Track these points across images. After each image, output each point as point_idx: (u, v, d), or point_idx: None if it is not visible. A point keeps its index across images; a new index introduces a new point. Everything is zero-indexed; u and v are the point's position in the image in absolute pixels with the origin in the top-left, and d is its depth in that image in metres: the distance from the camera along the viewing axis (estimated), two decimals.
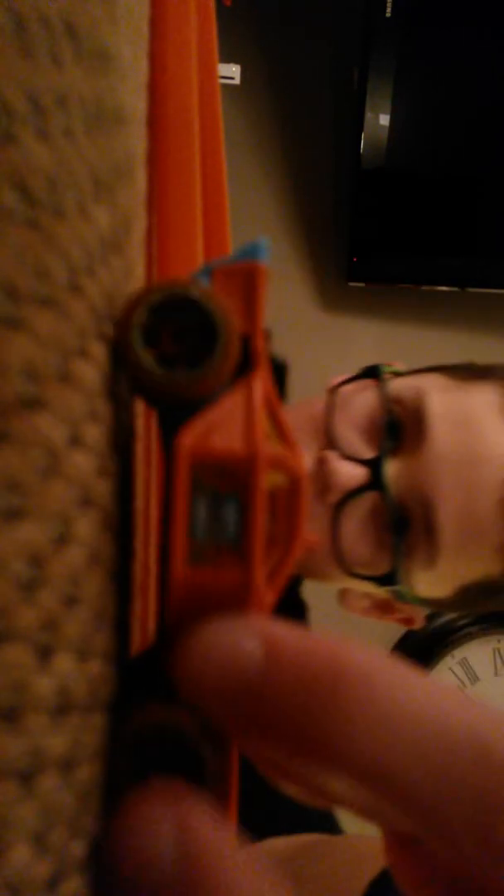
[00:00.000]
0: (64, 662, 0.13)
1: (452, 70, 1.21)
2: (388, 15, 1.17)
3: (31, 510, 0.12)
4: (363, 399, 0.48)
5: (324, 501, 0.46)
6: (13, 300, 0.12)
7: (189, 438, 0.15)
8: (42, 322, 0.13)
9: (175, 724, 0.15)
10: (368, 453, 0.46)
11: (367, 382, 0.49)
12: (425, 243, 1.27)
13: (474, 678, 1.30)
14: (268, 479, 0.16)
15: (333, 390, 0.48)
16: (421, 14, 1.19)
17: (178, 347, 0.16)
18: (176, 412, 0.16)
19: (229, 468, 0.15)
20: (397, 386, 0.48)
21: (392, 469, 0.45)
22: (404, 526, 0.45)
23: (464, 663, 1.30)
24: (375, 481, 0.45)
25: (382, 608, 0.55)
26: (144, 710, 0.15)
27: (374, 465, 0.45)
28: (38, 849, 0.12)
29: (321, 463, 0.46)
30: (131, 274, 0.20)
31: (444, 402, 0.46)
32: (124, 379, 0.17)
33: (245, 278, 0.18)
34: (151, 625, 0.22)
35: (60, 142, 0.14)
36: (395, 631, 1.31)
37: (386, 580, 0.46)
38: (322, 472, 0.46)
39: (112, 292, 0.17)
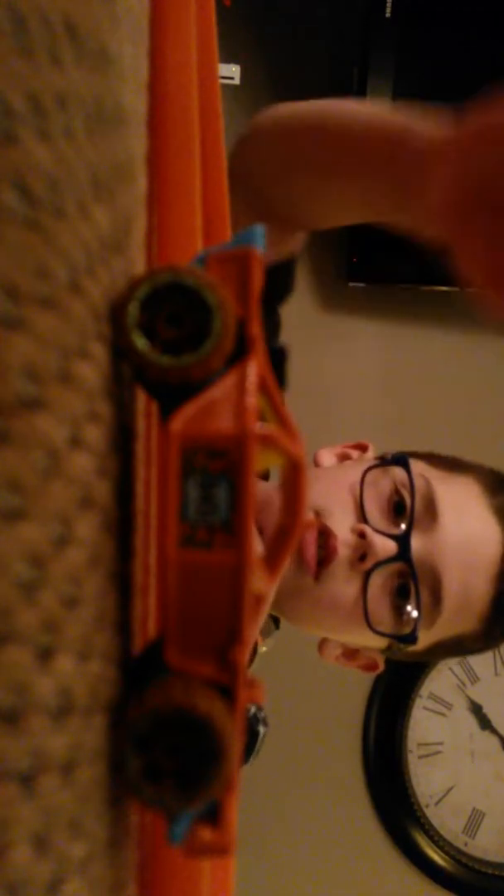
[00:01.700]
0: (64, 663, 0.13)
1: (452, 70, 1.21)
2: (387, 15, 1.17)
3: (31, 510, 0.12)
4: (386, 482, 0.58)
5: (358, 567, 0.54)
6: (13, 300, 0.12)
7: (179, 420, 0.15)
8: (42, 322, 0.13)
9: (185, 704, 0.15)
10: (394, 530, 0.56)
11: (391, 468, 0.59)
12: (425, 243, 1.27)
13: (474, 678, 1.30)
14: (262, 461, 0.16)
15: (366, 472, 0.58)
16: (421, 14, 1.19)
17: (175, 333, 0.16)
18: (174, 398, 0.16)
19: (220, 449, 0.15)
20: (415, 475, 0.58)
21: (413, 543, 0.55)
22: (416, 592, 0.55)
23: (463, 663, 1.30)
24: (403, 554, 0.54)
25: (350, 656, 0.64)
26: (154, 692, 0.15)
27: (401, 540, 0.55)
28: (39, 850, 0.12)
29: (362, 535, 0.54)
30: (131, 274, 0.20)
31: (447, 493, 0.57)
32: (126, 369, 0.17)
33: (239, 263, 0.17)
34: (152, 625, 0.22)
35: (61, 142, 0.14)
36: None
37: (408, 639, 0.55)
38: (363, 544, 0.54)
39: (112, 292, 0.17)
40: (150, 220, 0.27)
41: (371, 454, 0.66)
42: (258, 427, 0.16)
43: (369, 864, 1.29)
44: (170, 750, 0.16)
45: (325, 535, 0.54)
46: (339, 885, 1.28)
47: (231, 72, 1.29)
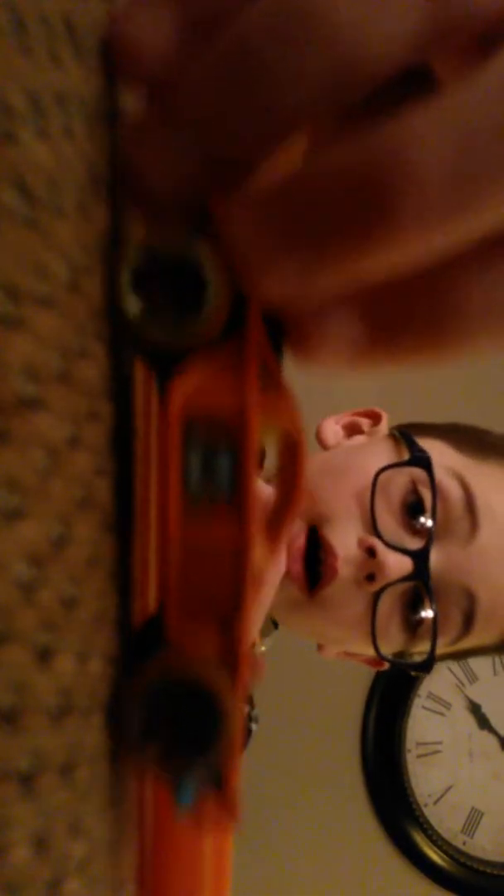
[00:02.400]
0: (64, 663, 0.13)
1: None
2: None
3: (31, 510, 0.12)
4: (401, 479, 0.49)
5: (365, 587, 0.47)
6: (13, 300, 0.12)
7: (178, 392, 0.15)
8: (42, 322, 0.13)
9: (184, 672, 0.15)
10: (410, 540, 0.47)
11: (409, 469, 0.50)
12: None
13: (473, 678, 1.30)
14: (263, 431, 0.16)
15: (378, 474, 0.48)
16: None
17: (168, 300, 0.16)
18: (171, 366, 0.16)
19: (221, 419, 0.15)
20: (440, 475, 0.48)
21: (435, 558, 0.47)
22: (434, 618, 0.47)
23: (462, 663, 1.30)
24: (420, 573, 0.46)
25: (352, 654, 0.58)
26: (153, 663, 0.15)
27: (418, 557, 0.46)
28: (39, 850, 0.12)
29: (370, 551, 0.46)
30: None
31: (483, 493, 0.47)
32: (126, 365, 0.17)
33: None
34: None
35: (60, 141, 0.14)
36: None
37: (424, 667, 0.48)
38: (372, 563, 0.46)
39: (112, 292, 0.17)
40: None
41: (384, 427, 0.57)
42: (262, 401, 0.15)
43: (368, 863, 1.29)
44: (171, 720, 0.16)
45: (323, 551, 0.46)
46: (338, 884, 1.28)
47: None
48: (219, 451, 0.15)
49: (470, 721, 1.31)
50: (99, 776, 0.15)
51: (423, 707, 1.30)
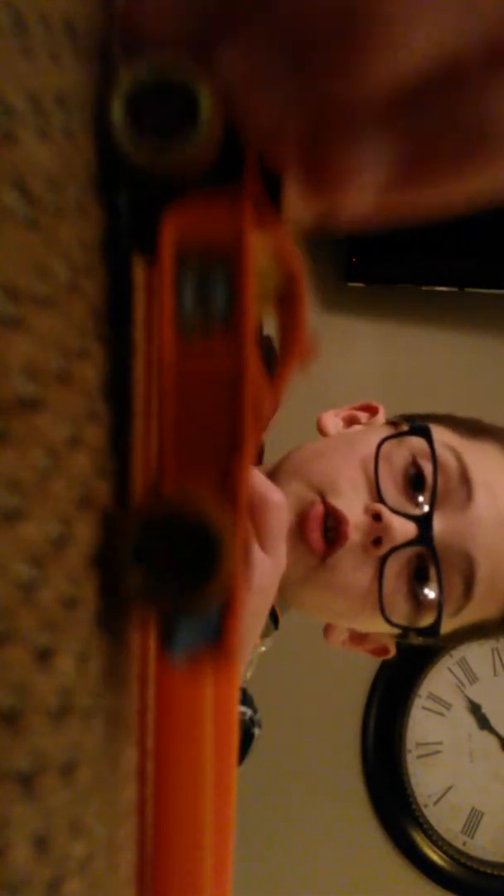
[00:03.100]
0: (64, 663, 0.13)
1: None
2: None
3: (31, 510, 0.12)
4: (402, 452, 0.52)
5: (372, 552, 0.49)
6: (13, 300, 0.12)
7: (173, 222, 0.14)
8: (42, 322, 0.13)
9: (179, 504, 0.14)
10: (412, 508, 0.50)
11: (411, 439, 0.53)
12: (425, 243, 1.27)
13: (473, 678, 1.30)
14: (258, 262, 0.15)
15: (382, 443, 0.51)
16: None
17: (159, 130, 0.15)
18: (163, 201, 0.15)
19: (217, 245, 0.14)
20: (438, 448, 0.52)
21: (437, 525, 0.49)
22: (439, 580, 0.50)
23: (462, 663, 1.30)
24: (424, 537, 0.48)
25: (358, 640, 0.59)
26: (145, 500, 0.15)
27: (422, 522, 0.48)
28: (39, 850, 0.12)
29: (376, 516, 0.48)
30: (132, 275, 0.20)
31: (476, 464, 0.51)
32: (126, 366, 0.17)
33: None
34: (152, 623, 0.22)
35: (60, 141, 0.14)
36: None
37: (429, 632, 0.50)
38: (379, 527, 0.48)
39: (112, 292, 0.17)
40: None
41: (382, 418, 0.60)
42: (255, 224, 0.15)
43: (368, 864, 1.29)
44: (168, 558, 0.15)
45: (335, 519, 0.48)
46: (338, 885, 1.28)
47: None
48: (213, 279, 0.15)
49: (470, 721, 1.31)
50: (99, 776, 0.15)
51: (424, 707, 1.30)
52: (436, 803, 1.29)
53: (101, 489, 0.15)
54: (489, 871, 1.27)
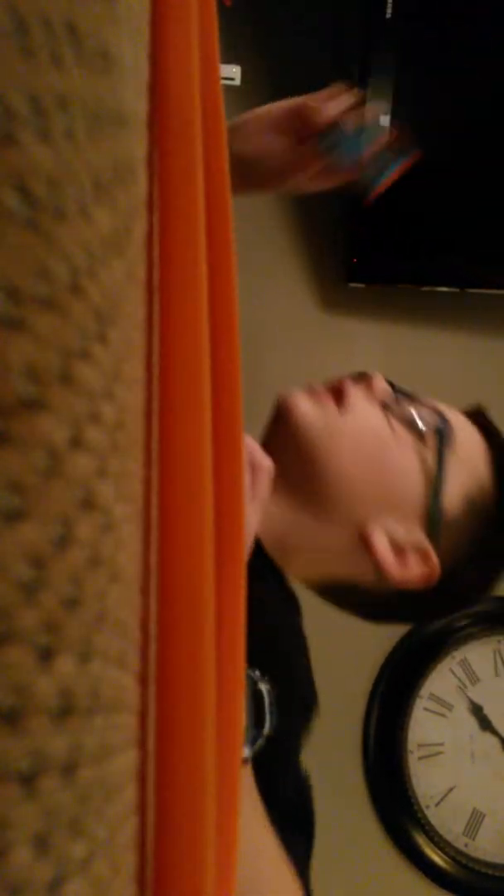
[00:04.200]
0: (65, 664, 0.13)
1: (452, 70, 1.21)
2: (388, 15, 1.17)
3: (31, 511, 0.12)
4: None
5: (371, 397, 0.64)
6: (14, 301, 0.12)
7: None
8: (43, 322, 0.13)
9: None
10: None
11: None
12: (425, 244, 1.27)
13: (475, 679, 1.30)
14: None
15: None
16: (421, 14, 1.19)
17: None
18: None
19: None
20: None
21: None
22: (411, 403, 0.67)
23: (464, 664, 1.30)
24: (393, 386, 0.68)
25: (399, 552, 0.62)
26: None
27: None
28: (39, 850, 0.12)
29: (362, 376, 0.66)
30: (132, 275, 0.20)
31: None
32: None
33: None
34: (152, 625, 0.22)
35: (61, 143, 0.14)
36: (394, 632, 1.31)
37: (443, 436, 0.63)
38: (366, 380, 0.66)
39: (113, 293, 0.17)
40: (151, 222, 0.27)
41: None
42: None
43: (369, 865, 1.29)
44: None
45: (335, 390, 0.64)
46: (339, 886, 1.28)
47: (232, 73, 1.29)
48: None
49: (471, 722, 1.31)
50: (99, 776, 0.15)
51: (425, 709, 1.30)
52: (437, 804, 1.29)
53: (101, 489, 0.15)
54: (491, 872, 1.27)
